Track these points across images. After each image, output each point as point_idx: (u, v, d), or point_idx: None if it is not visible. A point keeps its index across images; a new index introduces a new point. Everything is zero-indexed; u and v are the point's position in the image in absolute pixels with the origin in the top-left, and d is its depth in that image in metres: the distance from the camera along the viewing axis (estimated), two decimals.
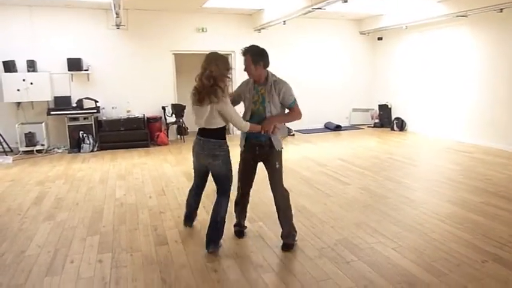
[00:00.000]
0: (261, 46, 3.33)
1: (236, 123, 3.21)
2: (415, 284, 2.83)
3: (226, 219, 3.43)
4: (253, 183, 3.61)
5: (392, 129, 10.10)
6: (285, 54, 9.69)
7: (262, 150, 3.35)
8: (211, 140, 3.25)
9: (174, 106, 9.04)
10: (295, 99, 3.32)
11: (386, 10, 9.15)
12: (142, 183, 5.65)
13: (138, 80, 8.90)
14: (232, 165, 3.38)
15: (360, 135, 9.65)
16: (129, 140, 8.34)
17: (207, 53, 3.25)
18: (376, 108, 10.76)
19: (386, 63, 10.61)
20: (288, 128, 10.06)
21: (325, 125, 10.57)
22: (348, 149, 7.91)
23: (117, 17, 7.32)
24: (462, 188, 5.11)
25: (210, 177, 3.54)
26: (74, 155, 7.81)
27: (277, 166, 3.37)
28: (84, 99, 8.22)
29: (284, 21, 8.29)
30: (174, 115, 8.97)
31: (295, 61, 10.01)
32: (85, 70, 8.36)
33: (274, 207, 3.49)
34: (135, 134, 8.43)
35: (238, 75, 9.68)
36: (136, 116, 8.62)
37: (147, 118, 8.80)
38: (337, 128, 10.26)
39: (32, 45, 8.03)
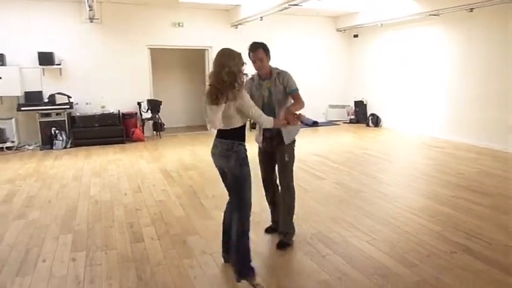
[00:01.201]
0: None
1: (257, 118, 2.90)
2: (387, 275, 2.90)
3: (248, 237, 2.88)
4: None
5: (368, 125, 10.28)
6: None
7: (273, 142, 3.42)
8: (226, 140, 2.86)
9: (150, 102, 8.93)
10: (297, 88, 3.37)
11: (362, 8, 9.28)
12: (118, 180, 5.57)
13: (113, 75, 8.73)
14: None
15: (336, 131, 9.78)
16: (103, 137, 8.20)
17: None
18: (352, 104, 10.92)
19: (362, 60, 10.77)
20: (315, 121, 10.16)
21: (302, 121, 10.63)
22: (325, 144, 8.00)
23: (90, 10, 7.17)
24: (435, 182, 5.26)
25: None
26: (46, 151, 7.61)
27: (286, 159, 3.43)
28: (56, 95, 8.02)
29: (261, 17, 8.29)
30: (150, 111, 8.86)
31: (272, 57, 10.01)
32: (57, 64, 8.15)
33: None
34: (110, 130, 8.29)
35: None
36: (111, 111, 8.47)
37: (123, 114, 8.66)
38: (314, 124, 10.36)
39: (0, 39, 7.75)
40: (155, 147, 7.95)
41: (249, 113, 2.84)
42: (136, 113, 8.85)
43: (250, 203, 2.90)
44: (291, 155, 3.48)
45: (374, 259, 3.15)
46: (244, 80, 2.98)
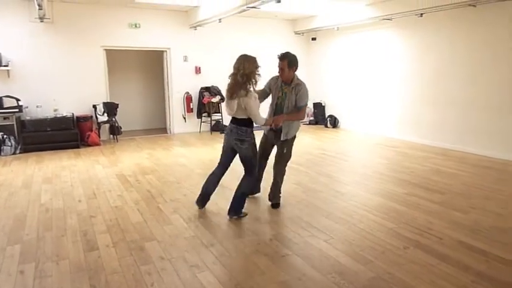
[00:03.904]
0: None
1: (255, 118, 3.81)
2: (344, 273, 2.96)
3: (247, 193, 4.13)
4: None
5: (326, 126, 10.51)
6: (220, 53, 9.63)
7: (276, 136, 4.23)
8: (239, 127, 3.84)
9: (106, 104, 8.64)
10: (306, 104, 4.11)
11: (319, 11, 9.46)
12: (71, 186, 5.34)
13: (66, 77, 8.39)
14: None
15: None
16: (56, 141, 7.84)
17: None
18: (311, 106, 11.11)
19: (320, 63, 10.98)
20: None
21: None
22: None
23: (40, 9, 6.84)
24: (389, 181, 5.45)
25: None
26: None
27: (284, 151, 4.26)
28: (4, 98, 7.58)
29: (220, 19, 8.26)
30: (106, 114, 8.58)
31: (231, 60, 9.94)
32: (4, 66, 7.71)
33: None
34: (63, 134, 7.94)
35: (174, 71, 9.54)
36: (64, 115, 8.13)
37: (77, 117, 8.34)
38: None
39: None
40: (112, 151, 7.71)
41: (250, 112, 3.74)
42: (91, 116, 8.55)
43: (256, 172, 4.12)
44: (288, 149, 4.26)
45: (331, 258, 3.21)
46: (258, 80, 3.75)
